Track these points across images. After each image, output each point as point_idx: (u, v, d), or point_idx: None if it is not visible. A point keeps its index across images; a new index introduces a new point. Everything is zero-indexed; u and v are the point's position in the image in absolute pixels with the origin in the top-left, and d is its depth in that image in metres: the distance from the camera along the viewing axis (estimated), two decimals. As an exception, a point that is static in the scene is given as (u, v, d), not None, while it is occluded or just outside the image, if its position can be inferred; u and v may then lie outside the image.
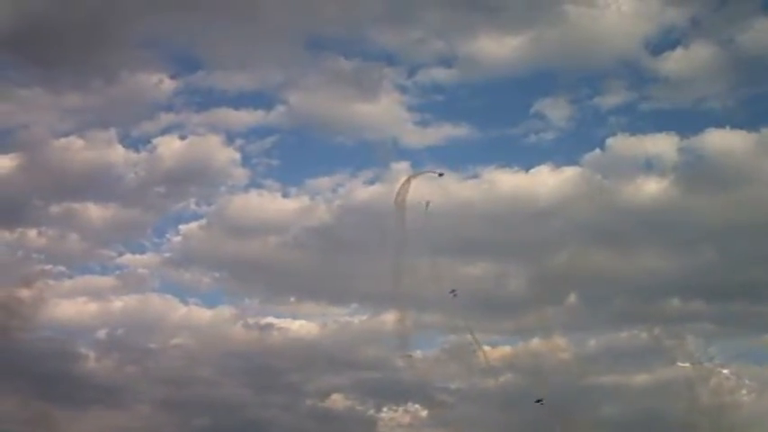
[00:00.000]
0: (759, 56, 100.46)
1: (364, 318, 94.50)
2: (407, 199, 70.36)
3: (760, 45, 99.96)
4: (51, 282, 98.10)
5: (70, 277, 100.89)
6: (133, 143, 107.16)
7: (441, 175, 70.56)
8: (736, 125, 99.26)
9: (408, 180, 71.57)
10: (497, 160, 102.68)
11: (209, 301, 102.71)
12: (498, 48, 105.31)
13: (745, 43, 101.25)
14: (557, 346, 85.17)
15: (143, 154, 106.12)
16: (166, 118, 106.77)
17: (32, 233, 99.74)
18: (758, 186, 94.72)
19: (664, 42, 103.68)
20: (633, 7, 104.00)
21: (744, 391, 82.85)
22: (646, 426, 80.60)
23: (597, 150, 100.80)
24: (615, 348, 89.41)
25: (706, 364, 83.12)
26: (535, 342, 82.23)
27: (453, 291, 69.44)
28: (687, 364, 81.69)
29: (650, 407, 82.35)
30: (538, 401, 69.57)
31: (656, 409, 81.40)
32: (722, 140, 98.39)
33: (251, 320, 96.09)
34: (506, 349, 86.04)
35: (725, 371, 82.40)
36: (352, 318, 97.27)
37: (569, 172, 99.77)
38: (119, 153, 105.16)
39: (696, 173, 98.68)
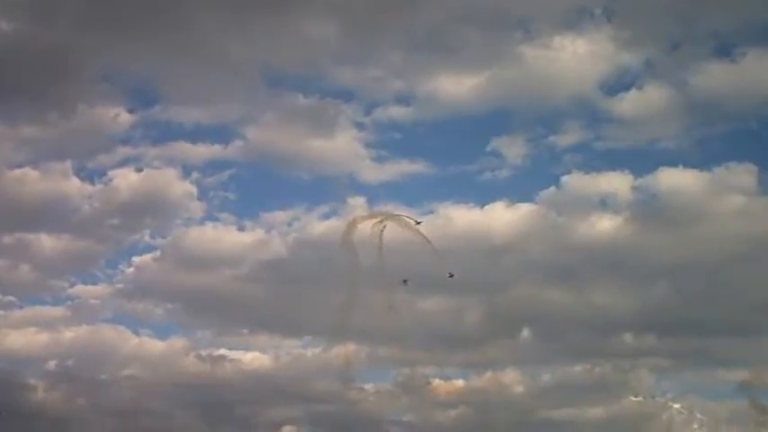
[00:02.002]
0: (711, 98, 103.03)
1: (317, 350, 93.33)
2: (373, 236, 68.80)
3: (712, 87, 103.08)
4: (1, 312, 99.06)
5: (20, 307, 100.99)
6: (89, 175, 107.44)
7: (418, 223, 68.85)
8: (689, 164, 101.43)
9: (354, 221, 70.73)
10: (453, 196, 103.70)
11: (162, 333, 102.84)
12: (456, 87, 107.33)
13: (698, 85, 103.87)
14: (510, 380, 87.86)
15: (98, 186, 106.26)
16: (123, 151, 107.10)
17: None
18: (710, 224, 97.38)
19: (618, 84, 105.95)
20: (588, 49, 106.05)
21: (695, 426, 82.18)
22: None
23: (552, 188, 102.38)
24: (568, 382, 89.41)
25: (658, 398, 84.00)
26: (489, 376, 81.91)
27: (405, 280, 68.37)
28: (639, 398, 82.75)
29: None
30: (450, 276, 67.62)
31: None
32: (675, 179, 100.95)
33: (203, 352, 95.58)
34: (460, 383, 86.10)
35: (676, 405, 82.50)
36: (305, 350, 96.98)
37: (524, 209, 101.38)
38: (74, 185, 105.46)
39: (649, 211, 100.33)
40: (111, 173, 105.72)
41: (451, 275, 67.75)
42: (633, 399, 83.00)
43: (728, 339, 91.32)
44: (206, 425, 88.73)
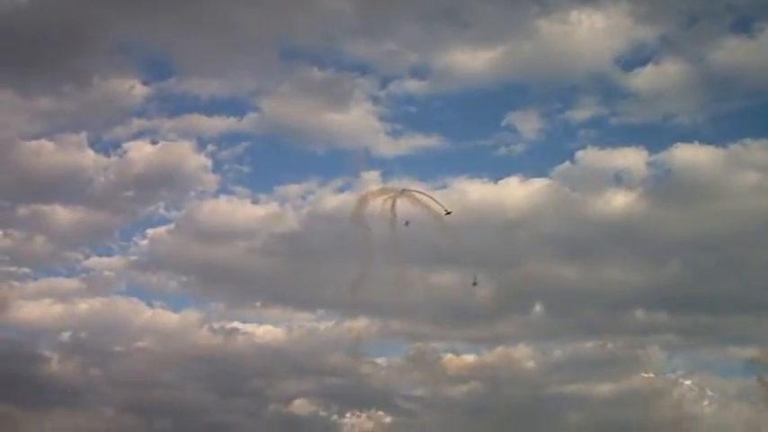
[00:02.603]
0: (728, 73, 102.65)
1: (330, 324, 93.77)
2: (386, 211, 69.38)
3: (729, 63, 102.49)
4: (16, 283, 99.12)
5: (35, 279, 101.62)
6: (104, 147, 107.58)
7: (448, 213, 68.60)
8: (704, 140, 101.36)
9: (366, 196, 71.06)
10: (467, 171, 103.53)
11: (175, 305, 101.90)
12: (471, 61, 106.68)
13: (715, 61, 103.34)
14: (522, 356, 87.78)
15: (113, 158, 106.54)
16: (138, 123, 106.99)
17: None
18: (725, 200, 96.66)
19: (635, 59, 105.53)
20: (605, 24, 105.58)
21: (705, 402, 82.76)
22: None
23: (567, 163, 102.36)
24: (580, 358, 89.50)
25: (669, 374, 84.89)
26: (500, 351, 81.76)
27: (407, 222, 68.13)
28: (650, 375, 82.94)
29: (613, 416, 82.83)
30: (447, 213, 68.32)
31: (619, 419, 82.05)
32: (690, 155, 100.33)
33: (216, 325, 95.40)
34: (471, 358, 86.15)
35: (687, 382, 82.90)
36: (318, 324, 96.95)
37: (538, 184, 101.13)
38: (89, 157, 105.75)
39: (664, 186, 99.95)
40: (126, 145, 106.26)
41: (448, 213, 67.86)
42: (644, 375, 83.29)
43: (741, 317, 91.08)
44: (218, 397, 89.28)
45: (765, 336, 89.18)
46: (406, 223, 67.97)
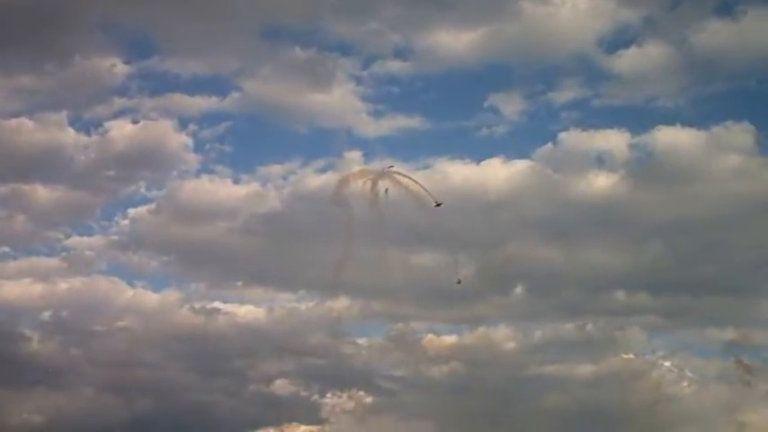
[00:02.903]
0: (711, 56, 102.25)
1: (311, 304, 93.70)
2: (369, 191, 69.93)
3: (712, 46, 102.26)
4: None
5: (15, 258, 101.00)
6: (84, 126, 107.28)
7: (438, 205, 68.82)
8: (687, 123, 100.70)
9: (346, 177, 71.66)
10: (449, 152, 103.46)
11: (156, 285, 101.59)
12: (454, 42, 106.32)
13: (698, 44, 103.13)
14: (502, 336, 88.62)
15: (94, 137, 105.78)
16: (119, 102, 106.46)
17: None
18: (706, 183, 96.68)
19: (618, 40, 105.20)
20: (588, 5, 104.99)
21: (685, 383, 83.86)
22: (587, 415, 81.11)
23: (549, 144, 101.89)
24: (560, 339, 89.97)
25: (649, 356, 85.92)
26: (481, 332, 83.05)
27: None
28: (630, 356, 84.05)
29: (592, 397, 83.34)
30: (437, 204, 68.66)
31: (598, 400, 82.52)
32: (672, 138, 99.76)
33: (197, 305, 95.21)
34: (452, 338, 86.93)
35: (667, 363, 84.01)
36: (299, 304, 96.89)
37: (520, 165, 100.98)
38: (69, 135, 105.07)
39: (646, 169, 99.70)
40: (107, 124, 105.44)
41: (438, 204, 67.99)
42: (624, 356, 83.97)
43: (720, 299, 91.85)
44: (199, 377, 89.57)
45: (744, 318, 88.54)
46: (386, 191, 68.32)
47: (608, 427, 79.72)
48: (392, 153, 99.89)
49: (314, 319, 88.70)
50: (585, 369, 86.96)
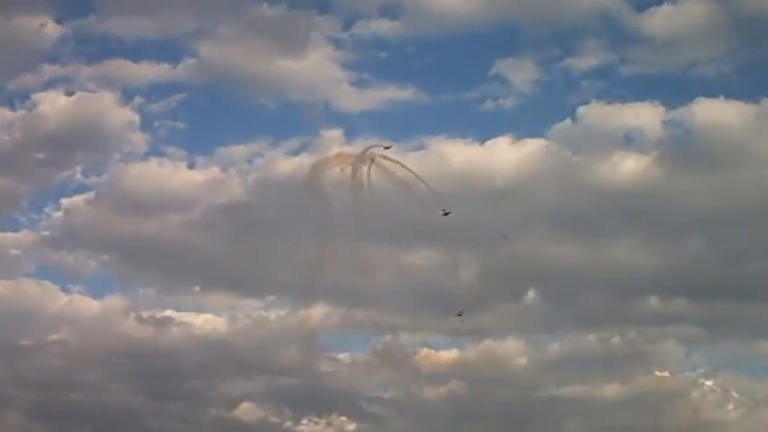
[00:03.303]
0: (760, 15, 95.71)
1: (282, 313, 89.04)
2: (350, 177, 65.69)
3: (762, 2, 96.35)
4: None
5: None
6: (8, 99, 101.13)
7: (447, 214, 65.50)
8: (732, 95, 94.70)
9: (321, 162, 68.02)
10: (448, 130, 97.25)
11: (96, 290, 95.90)
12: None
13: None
14: (512, 351, 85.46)
15: (20, 112, 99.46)
16: (50, 70, 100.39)
17: None
18: (755, 167, 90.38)
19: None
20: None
21: (730, 406, 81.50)
22: None
23: (567, 121, 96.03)
24: (581, 354, 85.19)
25: (687, 373, 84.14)
26: (486, 345, 78.75)
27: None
28: (665, 374, 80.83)
29: (619, 423, 79.46)
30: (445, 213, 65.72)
31: (626, 426, 79.00)
32: (715, 112, 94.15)
33: (146, 313, 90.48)
34: (451, 353, 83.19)
35: (709, 382, 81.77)
36: (267, 312, 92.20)
37: (533, 145, 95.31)
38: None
39: (683, 150, 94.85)
40: (35, 96, 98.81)
41: (447, 213, 65.18)
42: (658, 374, 79.99)
43: None
44: (148, 400, 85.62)
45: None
46: (446, 213, 65.63)
47: (639, 457, 76.72)
48: (379, 131, 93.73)
49: (285, 331, 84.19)
50: (611, 390, 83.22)
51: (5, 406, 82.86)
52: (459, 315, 67.72)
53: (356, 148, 71.01)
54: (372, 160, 65.87)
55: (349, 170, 65.36)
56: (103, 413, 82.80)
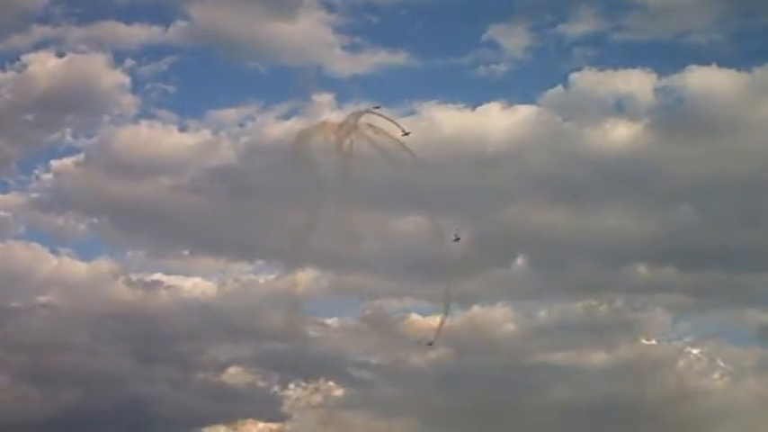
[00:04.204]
0: None
1: (271, 277, 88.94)
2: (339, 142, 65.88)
3: None
4: None
5: None
6: None
7: (406, 134, 65.12)
8: (724, 63, 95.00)
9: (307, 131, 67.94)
10: (439, 95, 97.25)
11: (85, 253, 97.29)
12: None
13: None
14: (500, 317, 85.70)
15: (10, 73, 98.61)
16: (41, 31, 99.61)
17: None
18: (747, 135, 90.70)
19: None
20: None
21: (716, 375, 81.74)
22: (599, 412, 77.54)
23: (559, 87, 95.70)
24: (569, 321, 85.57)
25: (674, 342, 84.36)
26: (474, 311, 78.06)
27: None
28: (652, 342, 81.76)
29: (608, 391, 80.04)
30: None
31: (615, 394, 79.09)
32: (707, 80, 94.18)
33: (135, 277, 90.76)
34: (440, 319, 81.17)
35: (696, 351, 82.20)
36: (256, 276, 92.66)
37: (524, 112, 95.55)
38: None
39: (675, 117, 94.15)
40: (25, 57, 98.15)
41: (406, 134, 64.52)
42: (645, 342, 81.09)
43: (761, 274, 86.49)
44: (137, 363, 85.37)
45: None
46: (457, 239, 67.29)
47: (624, 425, 75.79)
48: (370, 96, 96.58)
49: (274, 295, 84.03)
50: (599, 357, 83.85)
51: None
52: (457, 240, 67.55)
53: (347, 112, 71.00)
54: (357, 127, 65.82)
55: (336, 137, 65.37)
56: (91, 376, 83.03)
